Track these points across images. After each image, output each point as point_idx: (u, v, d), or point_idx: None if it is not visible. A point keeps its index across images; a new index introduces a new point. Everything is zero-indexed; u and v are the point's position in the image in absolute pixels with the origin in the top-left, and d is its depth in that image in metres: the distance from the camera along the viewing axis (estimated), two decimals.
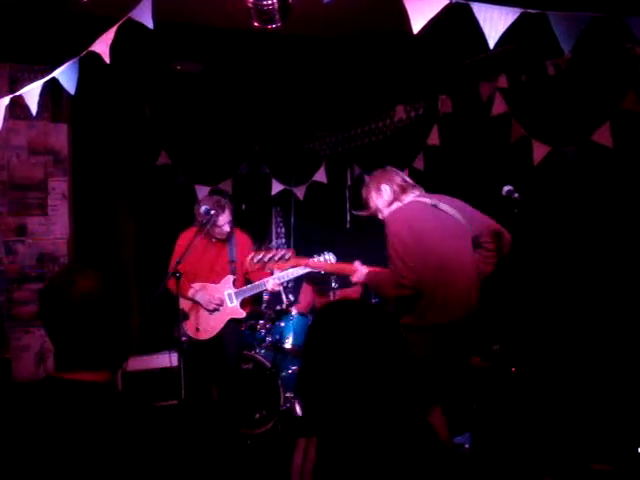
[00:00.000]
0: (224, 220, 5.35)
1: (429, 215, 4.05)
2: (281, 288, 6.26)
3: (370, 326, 1.68)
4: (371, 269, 4.14)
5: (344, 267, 4.32)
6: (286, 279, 5.55)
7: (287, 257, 4.27)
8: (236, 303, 5.43)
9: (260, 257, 4.29)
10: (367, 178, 4.39)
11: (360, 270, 4.16)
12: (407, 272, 3.81)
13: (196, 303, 5.39)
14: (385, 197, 4.19)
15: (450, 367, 4.04)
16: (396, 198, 4.18)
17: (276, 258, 4.26)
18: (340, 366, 1.62)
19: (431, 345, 3.86)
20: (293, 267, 4.41)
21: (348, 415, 1.61)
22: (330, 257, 4.99)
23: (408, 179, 4.31)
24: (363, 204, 4.35)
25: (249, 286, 5.44)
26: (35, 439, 1.69)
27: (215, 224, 5.30)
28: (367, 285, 4.21)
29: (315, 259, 4.67)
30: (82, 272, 1.85)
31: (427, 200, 4.14)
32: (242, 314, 5.47)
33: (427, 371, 3.79)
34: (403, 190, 4.19)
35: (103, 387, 1.82)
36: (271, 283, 5.39)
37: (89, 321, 1.79)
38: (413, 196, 4.18)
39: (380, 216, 4.26)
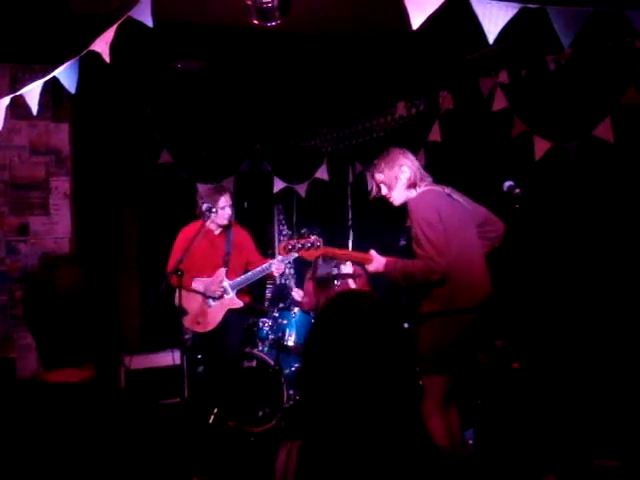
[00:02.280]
0: (225, 202, 5.36)
1: (449, 203, 4.11)
2: (292, 280, 6.30)
3: (377, 322, 1.65)
4: (390, 258, 4.14)
5: (360, 255, 4.31)
6: (287, 261, 5.54)
7: (317, 245, 4.29)
8: (232, 294, 5.44)
9: (291, 247, 4.31)
10: (384, 155, 4.30)
11: (377, 259, 4.16)
12: (437, 256, 3.85)
13: (199, 293, 5.39)
14: (403, 179, 4.17)
15: (471, 352, 4.11)
16: (414, 183, 4.18)
17: (307, 246, 4.29)
18: (342, 362, 1.60)
19: (458, 330, 3.91)
20: (322, 255, 4.47)
21: (342, 415, 1.59)
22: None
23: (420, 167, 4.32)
24: (374, 183, 4.33)
25: (243, 277, 5.44)
26: (16, 442, 1.69)
27: (218, 206, 5.31)
28: (387, 274, 4.19)
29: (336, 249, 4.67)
30: (62, 265, 1.85)
31: (442, 189, 4.19)
32: (239, 304, 5.48)
33: (451, 356, 3.86)
34: (421, 175, 4.21)
35: (83, 388, 1.80)
36: (275, 264, 5.37)
37: (67, 313, 1.78)
38: (427, 183, 4.22)
39: (389, 194, 4.25)
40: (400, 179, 4.18)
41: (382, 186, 4.26)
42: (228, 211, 5.41)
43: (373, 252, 4.20)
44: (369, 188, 4.43)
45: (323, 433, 1.62)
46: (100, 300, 1.84)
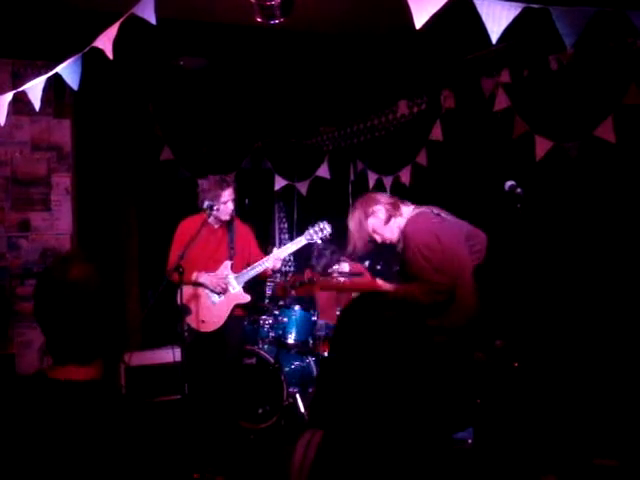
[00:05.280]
0: (228, 195, 5.29)
1: (442, 224, 4.15)
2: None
3: (398, 325, 1.67)
4: (395, 285, 4.19)
5: (368, 285, 4.35)
6: (285, 254, 5.45)
7: (313, 281, 4.32)
8: (239, 288, 5.35)
9: (290, 286, 4.36)
10: (352, 215, 4.37)
11: (385, 287, 4.20)
12: (440, 277, 3.92)
13: (200, 287, 5.33)
14: (381, 216, 4.23)
15: (463, 366, 4.13)
16: (392, 215, 4.23)
17: (304, 283, 4.33)
18: (363, 362, 1.61)
19: (453, 345, 3.94)
20: (321, 289, 4.48)
21: (363, 411, 1.60)
22: (325, 225, 5.01)
23: (390, 196, 4.38)
24: (363, 240, 4.32)
25: (249, 268, 5.37)
26: (19, 438, 1.70)
27: (220, 200, 5.22)
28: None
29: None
30: (77, 261, 1.85)
31: (430, 211, 4.22)
32: (247, 298, 5.39)
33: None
34: (395, 206, 4.26)
35: (89, 385, 1.81)
36: (271, 261, 5.32)
37: (80, 310, 1.79)
38: (411, 209, 4.26)
39: (380, 238, 4.30)
40: (379, 219, 4.24)
41: (375, 236, 4.30)
42: (230, 206, 5.30)
43: (380, 281, 4.27)
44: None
45: (344, 427, 1.63)
46: (111, 298, 1.85)
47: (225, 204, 5.26)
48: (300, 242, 5.30)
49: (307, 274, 6.69)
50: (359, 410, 1.61)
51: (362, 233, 4.29)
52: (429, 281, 3.91)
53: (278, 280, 6.55)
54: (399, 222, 4.22)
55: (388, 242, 4.31)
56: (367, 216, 4.26)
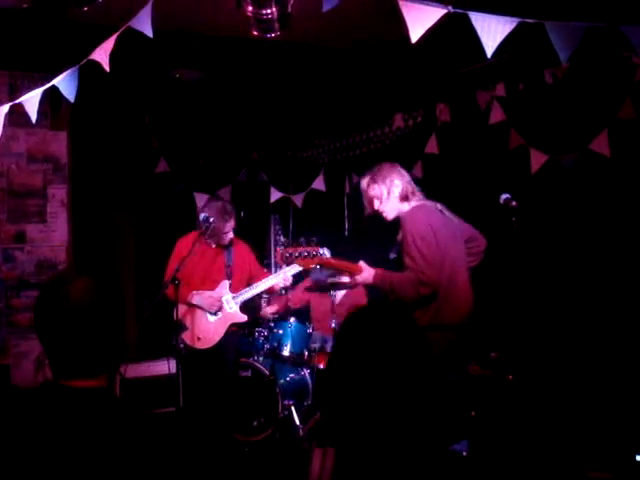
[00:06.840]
0: (230, 227, 5.32)
1: (442, 220, 4.14)
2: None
3: (399, 335, 1.67)
4: (379, 270, 4.14)
5: (349, 265, 4.28)
6: (289, 274, 5.42)
7: (313, 255, 4.27)
8: (235, 308, 5.35)
9: (289, 255, 4.29)
10: (375, 170, 4.31)
11: (367, 270, 4.14)
12: (429, 270, 3.88)
13: (196, 307, 5.32)
14: (396, 192, 4.20)
15: (451, 369, 4.11)
16: (406, 196, 4.21)
17: (303, 255, 4.26)
18: (367, 376, 1.61)
19: (438, 345, 3.90)
20: (317, 264, 4.41)
21: (371, 426, 1.60)
22: (325, 251, 5.00)
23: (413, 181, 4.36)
24: (366, 198, 4.32)
25: (247, 289, 5.39)
26: (31, 445, 1.70)
27: (221, 231, 5.27)
28: (375, 285, 4.19)
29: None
30: (74, 279, 1.86)
31: (434, 205, 4.22)
32: (243, 318, 5.40)
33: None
34: (412, 190, 4.24)
35: (98, 392, 1.82)
36: (281, 277, 5.33)
37: (81, 328, 1.79)
38: (419, 197, 4.25)
39: (382, 208, 4.26)
40: (392, 192, 4.21)
41: (375, 200, 4.27)
42: (230, 235, 5.38)
43: (362, 263, 4.19)
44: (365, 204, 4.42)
45: (358, 442, 1.63)
46: (111, 312, 1.86)
47: (226, 234, 5.30)
48: (297, 268, 5.24)
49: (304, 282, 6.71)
50: (366, 426, 1.61)
51: (369, 193, 4.27)
52: (418, 271, 3.89)
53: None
54: (404, 207, 4.19)
55: (382, 215, 4.27)
56: (384, 181, 4.22)
